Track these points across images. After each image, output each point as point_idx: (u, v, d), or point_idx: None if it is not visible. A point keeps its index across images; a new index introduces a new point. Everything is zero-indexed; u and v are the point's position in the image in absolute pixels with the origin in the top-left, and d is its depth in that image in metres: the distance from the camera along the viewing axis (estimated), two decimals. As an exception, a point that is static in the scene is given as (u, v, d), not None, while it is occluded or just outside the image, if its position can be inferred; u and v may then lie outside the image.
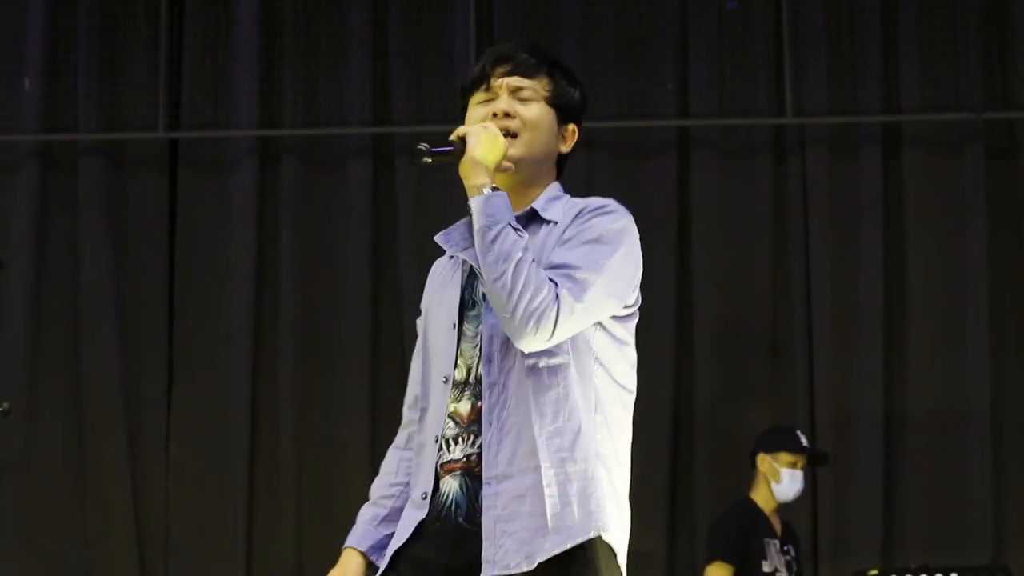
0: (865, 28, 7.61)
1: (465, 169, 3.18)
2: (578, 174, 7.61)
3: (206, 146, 7.81)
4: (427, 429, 3.30)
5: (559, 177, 3.40)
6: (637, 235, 3.29)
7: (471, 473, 3.20)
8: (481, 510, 3.15)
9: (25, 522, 7.38)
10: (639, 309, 3.34)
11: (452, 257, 3.37)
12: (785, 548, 6.37)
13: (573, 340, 3.19)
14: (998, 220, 7.52)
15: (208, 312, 7.70)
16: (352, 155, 7.72)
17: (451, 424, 3.24)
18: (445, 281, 3.36)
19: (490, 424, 3.17)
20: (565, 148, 3.38)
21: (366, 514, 3.44)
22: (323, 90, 7.75)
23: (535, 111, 3.31)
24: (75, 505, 7.47)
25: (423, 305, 3.42)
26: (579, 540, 3.13)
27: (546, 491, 3.14)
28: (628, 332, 3.31)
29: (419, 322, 3.42)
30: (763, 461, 6.43)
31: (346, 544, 3.41)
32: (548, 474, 3.14)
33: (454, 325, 3.28)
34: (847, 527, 7.34)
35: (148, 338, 7.64)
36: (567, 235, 3.22)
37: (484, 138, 3.18)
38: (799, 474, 6.38)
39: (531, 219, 3.28)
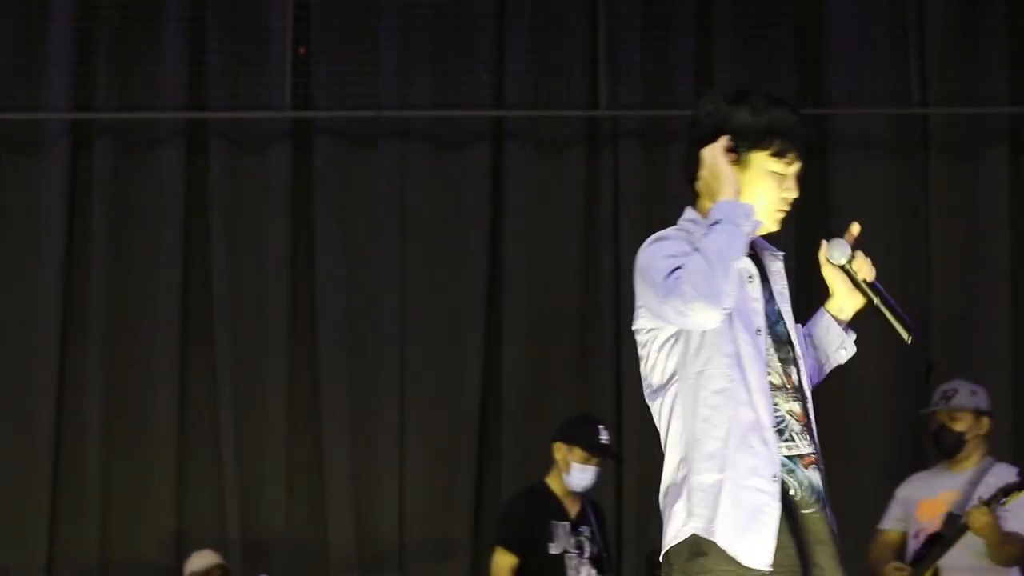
0: (680, 23, 7.70)
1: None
2: (392, 163, 7.65)
3: (17, 128, 7.73)
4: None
5: None
6: None
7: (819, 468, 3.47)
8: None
9: None
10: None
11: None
12: (579, 529, 6.41)
13: None
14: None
15: (17, 294, 7.62)
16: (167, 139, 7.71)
17: (792, 421, 3.45)
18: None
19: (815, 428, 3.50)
20: None
21: None
22: (137, 74, 7.70)
23: None
24: None
25: None
26: None
27: None
28: None
29: None
30: (559, 450, 6.45)
31: None
32: None
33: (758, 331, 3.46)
34: (650, 516, 7.41)
35: None
36: None
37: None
38: (591, 470, 6.41)
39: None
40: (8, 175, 7.71)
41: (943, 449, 6.02)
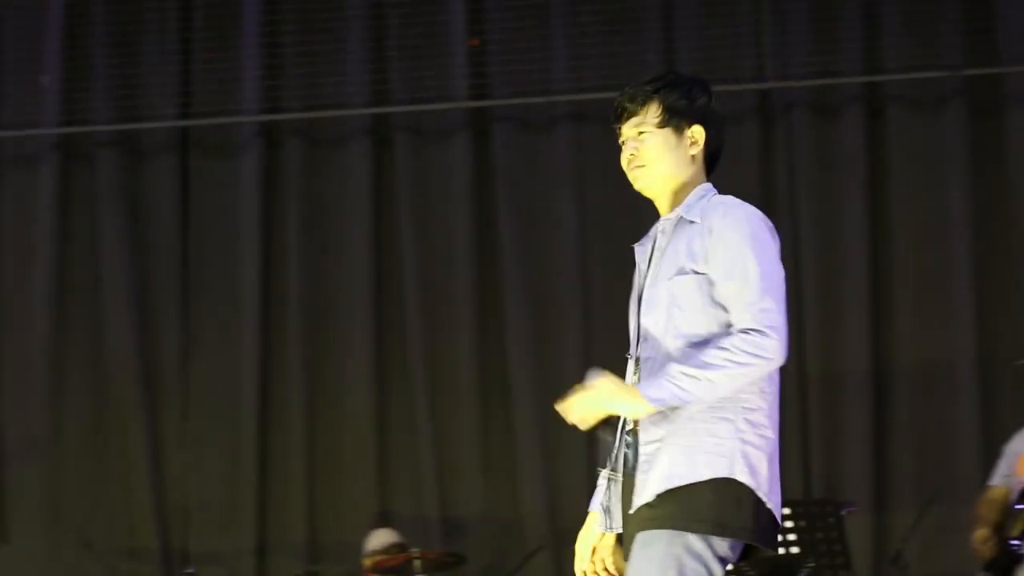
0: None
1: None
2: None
3: (214, 132, 8.33)
4: None
5: (709, 172, 3.86)
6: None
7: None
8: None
9: (52, 497, 8.19)
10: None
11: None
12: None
13: None
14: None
15: (220, 290, 8.34)
16: (354, 135, 8.06)
17: None
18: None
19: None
20: (695, 150, 3.82)
21: None
22: (323, 73, 8.12)
23: (649, 143, 3.78)
24: (99, 478, 8.29)
25: None
26: None
27: None
28: None
29: None
30: None
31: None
32: None
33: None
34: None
35: (165, 317, 8.36)
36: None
37: (579, 415, 3.63)
38: None
39: (678, 222, 3.78)
40: (206, 176, 8.35)
41: None
